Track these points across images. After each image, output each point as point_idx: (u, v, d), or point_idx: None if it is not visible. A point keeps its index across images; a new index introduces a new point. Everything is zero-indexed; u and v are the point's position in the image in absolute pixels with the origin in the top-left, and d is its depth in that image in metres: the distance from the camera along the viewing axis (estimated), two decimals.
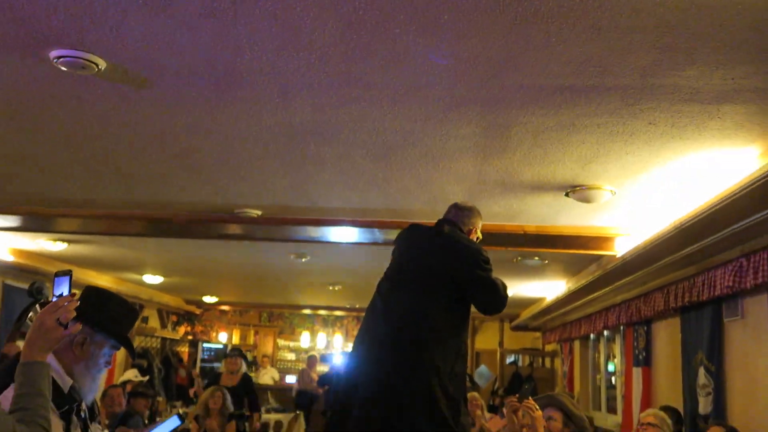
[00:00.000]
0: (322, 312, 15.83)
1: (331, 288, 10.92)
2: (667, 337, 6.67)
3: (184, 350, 14.38)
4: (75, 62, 2.90)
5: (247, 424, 8.40)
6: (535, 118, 3.37)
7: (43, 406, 1.83)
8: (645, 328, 7.15)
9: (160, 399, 9.72)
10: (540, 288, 9.28)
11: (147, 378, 10.25)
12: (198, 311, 15.17)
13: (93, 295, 2.49)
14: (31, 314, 3.81)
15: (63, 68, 2.96)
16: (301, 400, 11.63)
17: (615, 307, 7.70)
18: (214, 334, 15.71)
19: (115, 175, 4.69)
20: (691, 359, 5.83)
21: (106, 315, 2.45)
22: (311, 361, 12.71)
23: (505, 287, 3.34)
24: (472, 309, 3.36)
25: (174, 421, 2.95)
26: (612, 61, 2.74)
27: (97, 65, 2.94)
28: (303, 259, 7.93)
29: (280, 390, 12.94)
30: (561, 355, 11.26)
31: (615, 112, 3.25)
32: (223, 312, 15.92)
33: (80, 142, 4.06)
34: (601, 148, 3.74)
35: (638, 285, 6.65)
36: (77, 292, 2.12)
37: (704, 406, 5.54)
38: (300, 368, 13.57)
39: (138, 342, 12.47)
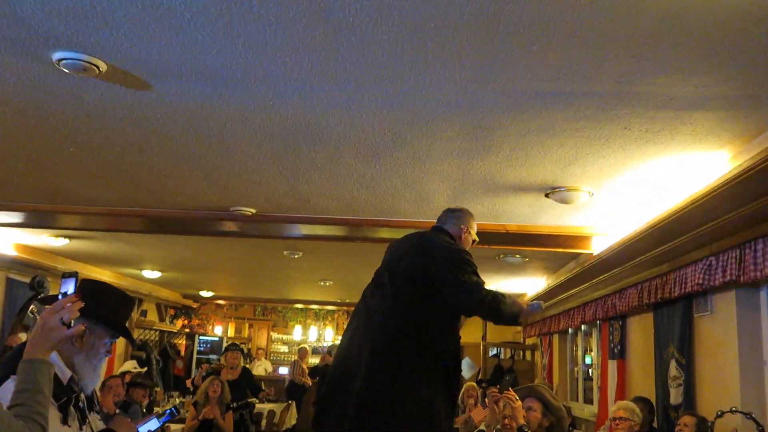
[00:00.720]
0: (313, 306, 15.82)
1: (322, 283, 10.91)
2: (640, 331, 6.70)
3: (181, 343, 14.32)
4: (77, 64, 2.88)
5: (251, 412, 8.40)
6: (516, 122, 3.37)
7: (42, 403, 1.81)
8: (620, 322, 7.18)
9: (158, 389, 9.67)
10: (521, 284, 9.31)
11: (145, 369, 10.20)
12: (195, 305, 15.12)
13: (90, 288, 2.48)
14: (32, 307, 3.79)
15: (65, 70, 2.94)
16: (292, 390, 11.61)
17: (592, 303, 7.73)
18: (210, 327, 15.67)
19: (116, 173, 4.67)
20: (663, 352, 5.86)
21: (104, 307, 2.44)
22: (302, 353, 12.69)
23: (482, 292, 3.18)
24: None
25: (168, 415, 2.90)
26: (589, 69, 2.75)
27: (98, 67, 2.92)
28: (295, 256, 7.92)
29: (272, 381, 12.91)
30: (541, 348, 11.29)
31: (592, 117, 3.26)
32: (219, 306, 15.88)
33: (82, 142, 4.03)
34: (579, 151, 3.75)
35: (614, 282, 6.68)
36: None
37: (675, 396, 5.57)
38: (292, 360, 13.54)
39: (137, 334, 12.42)
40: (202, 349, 14.30)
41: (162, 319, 13.99)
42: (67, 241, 7.58)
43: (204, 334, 14.90)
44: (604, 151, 3.73)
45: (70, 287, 2.07)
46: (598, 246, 5.71)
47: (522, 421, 3.61)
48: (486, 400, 4.91)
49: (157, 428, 2.72)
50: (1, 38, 2.73)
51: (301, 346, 13.80)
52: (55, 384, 2.04)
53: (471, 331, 14.33)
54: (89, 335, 2.37)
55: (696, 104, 3.04)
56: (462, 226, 3.48)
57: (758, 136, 3.35)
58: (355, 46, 2.66)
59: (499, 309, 3.21)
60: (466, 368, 12.19)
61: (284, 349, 16.12)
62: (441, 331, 3.20)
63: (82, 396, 2.40)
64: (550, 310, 9.54)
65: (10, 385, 2.01)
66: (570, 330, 9.60)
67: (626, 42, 2.51)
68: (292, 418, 11.26)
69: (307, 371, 11.53)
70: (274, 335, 16.30)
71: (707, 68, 2.69)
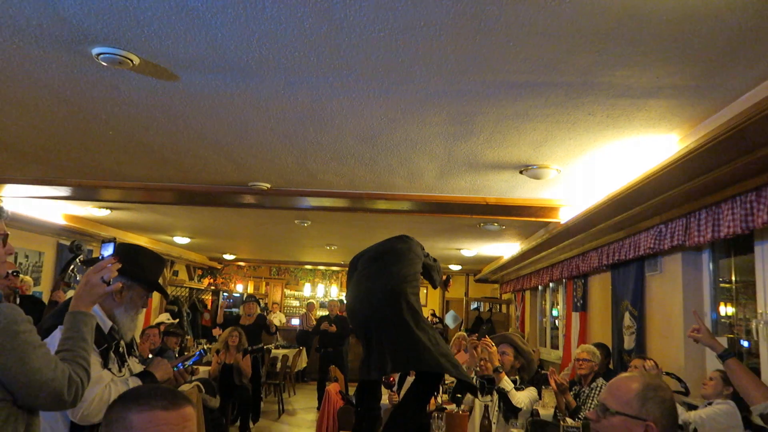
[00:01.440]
0: (321, 267, 15.86)
1: (328, 248, 10.94)
2: (600, 288, 6.75)
3: (207, 298, 14.39)
4: (113, 58, 2.84)
5: (263, 356, 8.49)
6: (495, 108, 3.35)
7: (85, 349, 1.82)
8: (582, 280, 7.23)
9: (188, 337, 9.76)
10: (498, 248, 9.34)
11: (177, 320, 10.27)
12: (219, 266, 15.15)
13: (128, 251, 2.48)
14: (72, 267, 3.79)
15: (103, 63, 2.90)
16: (302, 338, 11.71)
17: (559, 264, 7.77)
18: (232, 285, 15.72)
19: (149, 153, 4.64)
20: (619, 305, 5.92)
21: (140, 266, 2.44)
22: (310, 306, 12.78)
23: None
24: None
25: (198, 355, 2.94)
26: (558, 62, 2.72)
27: (132, 61, 2.88)
28: (305, 224, 7.92)
29: (286, 330, 13.01)
30: (515, 302, 11.37)
31: (560, 105, 3.24)
32: (240, 267, 15.92)
33: (119, 126, 4.00)
34: (549, 134, 3.73)
35: (578, 246, 6.70)
36: None
37: (629, 343, 5.63)
38: (302, 312, 13.63)
39: (170, 291, 12.47)
40: (228, 301, 14.38)
41: (191, 278, 14.04)
42: (108, 211, 7.57)
43: (227, 291, 14.97)
44: (571, 134, 3.71)
45: (108, 250, 2.08)
46: (564, 216, 5.72)
47: (497, 363, 3.65)
48: (467, 346, 4.95)
49: (189, 365, 2.74)
50: (46, 35, 2.70)
51: (310, 301, 13.89)
52: (97, 333, 2.06)
53: (455, 288, 14.44)
54: (127, 291, 2.38)
55: (650, 93, 3.01)
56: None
57: (703, 121, 3.33)
58: (355, 42, 2.63)
59: None
60: (451, 320, 12.30)
61: (296, 303, 16.22)
62: None
63: (122, 343, 2.42)
64: (524, 270, 9.60)
65: (57, 333, 2.03)
66: (540, 287, 9.67)
67: (590, 39, 2.49)
68: (302, 362, 11.39)
69: (314, 321, 11.61)
70: (287, 292, 16.38)
71: (660, 62, 2.66)
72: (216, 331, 9.36)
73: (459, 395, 4.09)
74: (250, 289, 16.02)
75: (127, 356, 2.44)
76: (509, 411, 3.61)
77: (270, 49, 2.74)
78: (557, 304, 9.05)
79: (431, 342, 2.98)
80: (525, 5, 2.26)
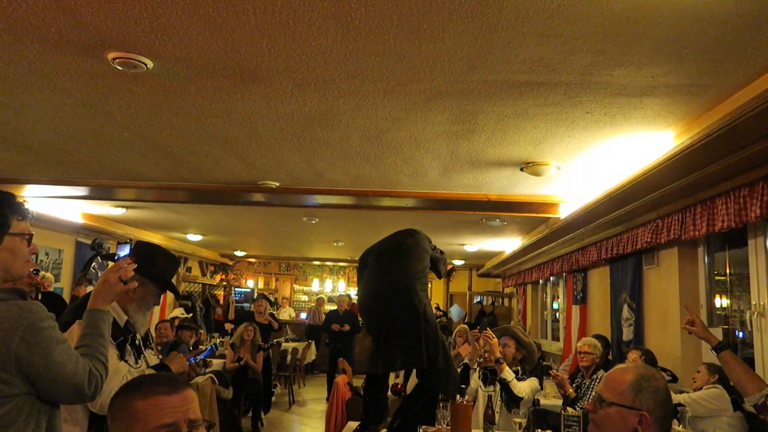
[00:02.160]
0: (328, 263, 15.90)
1: (335, 244, 10.96)
2: (599, 281, 6.75)
3: (220, 293, 14.45)
4: (128, 62, 2.87)
5: (270, 351, 8.52)
6: (496, 107, 3.36)
7: (103, 345, 1.84)
8: (582, 274, 7.23)
9: (201, 331, 9.79)
10: (500, 243, 9.33)
11: (191, 315, 10.32)
12: (231, 262, 15.21)
13: (144, 250, 2.50)
14: (93, 264, 3.82)
15: (119, 67, 2.93)
16: (311, 332, 11.75)
17: (559, 258, 7.77)
18: (243, 281, 15.77)
19: (163, 154, 4.67)
20: (618, 298, 5.92)
21: (154, 266, 2.46)
22: (320, 302, 12.81)
23: None
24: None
25: (209, 350, 2.95)
26: (557, 62, 2.73)
27: (146, 65, 2.91)
28: (313, 221, 7.94)
29: (295, 324, 13.05)
30: (517, 296, 11.37)
31: (559, 103, 3.24)
32: (251, 263, 15.97)
33: (134, 128, 4.03)
34: (549, 132, 3.73)
35: (577, 241, 6.70)
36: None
37: (627, 334, 5.63)
38: (310, 307, 13.67)
39: (183, 287, 12.53)
40: (237, 298, 14.42)
41: (204, 274, 14.09)
42: (124, 210, 7.61)
43: (238, 286, 15.02)
44: (570, 132, 3.71)
45: (125, 251, 2.10)
46: (564, 211, 5.72)
47: (498, 355, 3.66)
48: (469, 338, 4.96)
49: (200, 359, 2.77)
50: (64, 41, 2.72)
51: (319, 296, 13.92)
52: (114, 326, 2.08)
53: (459, 282, 14.44)
54: (141, 288, 2.40)
55: (646, 92, 3.02)
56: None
57: (697, 118, 3.33)
58: (361, 45, 2.64)
59: None
60: (456, 313, 12.31)
61: (305, 298, 16.26)
62: None
63: (138, 336, 2.44)
64: (525, 264, 9.60)
65: (75, 328, 2.05)
66: (541, 281, 9.67)
67: (589, 39, 2.49)
68: (311, 354, 11.42)
69: (323, 316, 11.65)
70: (296, 287, 16.42)
71: (655, 62, 2.67)
72: (228, 326, 9.41)
73: (463, 386, 4.11)
74: (261, 285, 16.07)
75: (143, 348, 2.46)
76: (511, 400, 3.62)
77: (280, 53, 2.75)
78: (558, 297, 9.05)
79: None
80: (525, 8, 2.27)
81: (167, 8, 2.39)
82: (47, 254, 8.04)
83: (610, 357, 5.59)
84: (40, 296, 4.51)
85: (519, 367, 3.89)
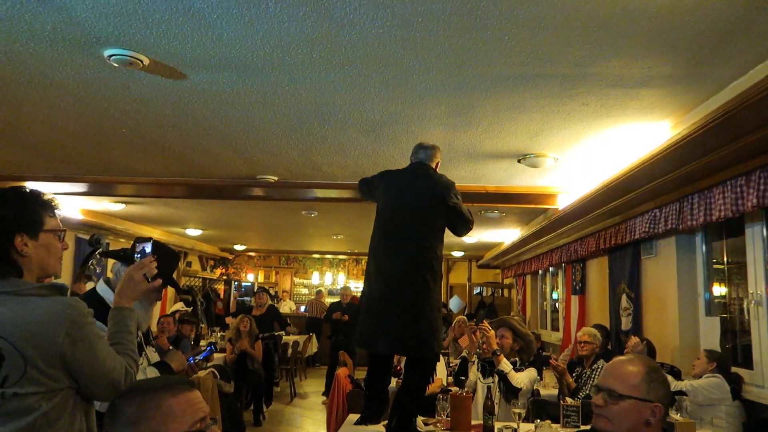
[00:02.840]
0: (328, 256, 15.92)
1: (334, 237, 10.97)
2: (597, 271, 6.77)
3: (220, 287, 14.49)
4: (124, 59, 2.87)
5: (276, 342, 8.56)
6: (492, 100, 3.36)
7: (132, 342, 1.84)
8: (581, 264, 7.25)
9: (202, 325, 9.82)
10: (499, 235, 9.35)
11: (192, 309, 10.35)
12: (230, 257, 15.23)
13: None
14: (92, 260, 3.81)
15: (115, 64, 2.93)
16: (311, 325, 11.77)
17: (558, 249, 7.78)
18: (243, 275, 15.80)
19: (161, 150, 4.67)
20: (616, 288, 5.93)
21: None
22: (319, 294, 12.84)
23: (470, 212, 3.21)
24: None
25: (208, 351, 2.91)
26: (552, 54, 2.73)
27: (142, 61, 2.91)
28: (312, 215, 7.95)
29: (296, 317, 13.10)
30: (516, 286, 11.39)
31: (555, 95, 3.24)
32: (251, 257, 15.99)
33: (131, 124, 4.03)
34: (545, 123, 3.74)
35: (576, 231, 6.71)
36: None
37: (626, 324, 5.66)
38: (310, 300, 13.70)
39: (184, 281, 12.56)
40: (238, 292, 14.48)
41: (204, 269, 14.12)
42: (123, 206, 7.61)
43: (239, 280, 15.05)
44: (566, 123, 3.72)
45: (147, 248, 2.08)
46: (562, 202, 5.73)
47: (495, 346, 3.67)
48: (466, 331, 4.97)
49: (201, 359, 2.77)
50: (60, 39, 2.72)
51: (318, 288, 13.96)
52: None
53: (459, 274, 14.47)
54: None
55: (642, 83, 3.02)
56: (437, 161, 3.32)
57: (694, 109, 3.33)
58: (355, 39, 2.64)
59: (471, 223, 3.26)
60: (456, 304, 12.34)
61: (305, 291, 16.29)
62: (440, 255, 3.14)
63: (140, 333, 2.45)
64: (524, 255, 9.62)
65: None
66: (540, 271, 9.69)
67: (583, 31, 2.49)
68: (313, 347, 11.45)
69: (326, 307, 11.65)
70: (296, 280, 16.45)
71: (651, 52, 2.67)
72: (229, 320, 9.43)
73: (462, 377, 4.13)
74: (261, 279, 16.10)
75: (144, 345, 2.47)
76: (509, 391, 3.65)
77: (274, 48, 2.75)
78: (557, 287, 9.07)
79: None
80: (518, 0, 2.27)
81: (160, 5, 2.39)
82: None
83: (609, 347, 5.61)
84: None
85: (517, 358, 3.91)
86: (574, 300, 7.36)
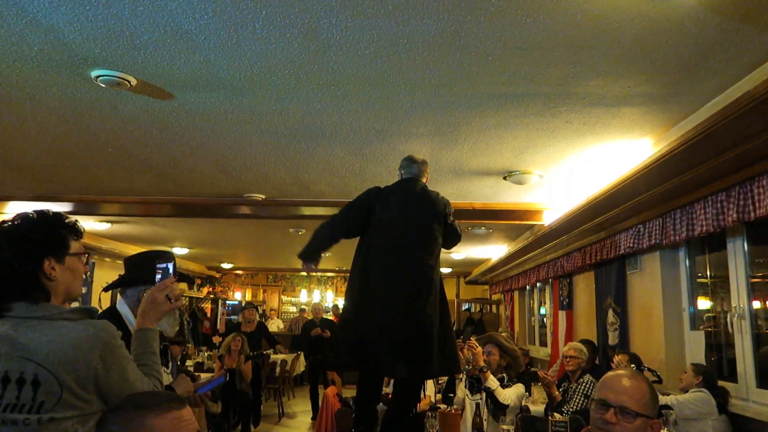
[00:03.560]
0: (316, 273, 15.88)
1: (322, 254, 10.92)
2: (584, 286, 6.80)
3: (207, 306, 14.37)
4: (111, 80, 2.89)
5: (263, 361, 8.47)
6: (477, 118, 3.41)
7: (156, 362, 1.84)
8: (567, 280, 7.28)
9: (189, 345, 9.71)
10: (487, 251, 9.39)
11: (178, 329, 10.22)
12: (218, 275, 15.12)
13: (135, 261, 2.47)
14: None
15: (102, 85, 2.95)
16: (296, 343, 11.65)
17: (545, 264, 7.81)
18: (231, 293, 15.69)
19: (147, 169, 4.67)
20: (603, 303, 5.97)
21: (153, 271, 2.42)
22: (302, 312, 12.72)
23: (460, 227, 3.25)
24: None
25: (221, 379, 2.77)
26: (535, 74, 2.78)
27: (129, 82, 2.93)
28: (300, 232, 7.95)
29: (283, 336, 13.00)
30: (504, 302, 11.40)
31: (539, 114, 3.30)
32: (238, 275, 15.90)
33: (118, 143, 4.03)
34: (530, 141, 3.79)
35: (562, 247, 6.76)
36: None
37: (613, 338, 5.68)
38: (293, 318, 13.62)
39: None
40: (225, 311, 14.37)
41: (190, 287, 14.00)
42: (109, 225, 7.57)
43: (226, 299, 14.94)
44: (550, 141, 3.77)
45: (169, 268, 2.06)
46: (548, 218, 5.78)
47: (482, 363, 3.67)
48: None
49: (211, 388, 2.63)
50: (47, 60, 2.73)
51: (302, 307, 13.86)
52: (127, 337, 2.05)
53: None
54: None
55: (623, 101, 3.08)
56: (427, 176, 3.26)
57: (674, 126, 3.40)
58: (342, 59, 2.68)
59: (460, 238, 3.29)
60: None
61: (293, 309, 16.19)
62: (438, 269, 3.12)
63: None
64: (512, 271, 9.65)
65: None
66: (527, 287, 9.71)
67: (564, 51, 2.55)
68: (300, 366, 11.35)
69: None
70: (284, 298, 16.37)
71: (631, 72, 2.73)
72: (216, 339, 9.34)
73: (451, 394, 4.13)
74: (248, 297, 15.98)
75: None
76: (497, 408, 3.65)
77: (261, 68, 2.78)
78: (544, 303, 9.09)
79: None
80: (501, 22, 2.32)
81: (148, 26, 2.41)
82: None
83: (597, 361, 5.63)
84: None
85: (504, 374, 3.92)
86: (562, 315, 7.38)
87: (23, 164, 4.58)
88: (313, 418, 8.43)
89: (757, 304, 4.04)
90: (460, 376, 4.20)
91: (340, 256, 11.11)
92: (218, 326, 9.15)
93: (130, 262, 2.42)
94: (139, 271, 2.26)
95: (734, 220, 3.48)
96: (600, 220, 5.15)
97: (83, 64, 2.77)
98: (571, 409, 4.21)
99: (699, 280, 4.86)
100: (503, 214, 5.79)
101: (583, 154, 4.02)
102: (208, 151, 4.18)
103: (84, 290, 8.32)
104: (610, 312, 5.74)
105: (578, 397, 4.27)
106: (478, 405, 3.47)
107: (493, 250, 9.29)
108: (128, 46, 2.58)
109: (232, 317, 13.56)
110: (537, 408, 4.69)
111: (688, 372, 4.04)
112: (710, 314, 4.76)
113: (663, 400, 3.79)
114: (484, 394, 3.70)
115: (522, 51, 2.55)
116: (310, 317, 12.65)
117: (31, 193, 5.56)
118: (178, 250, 10.35)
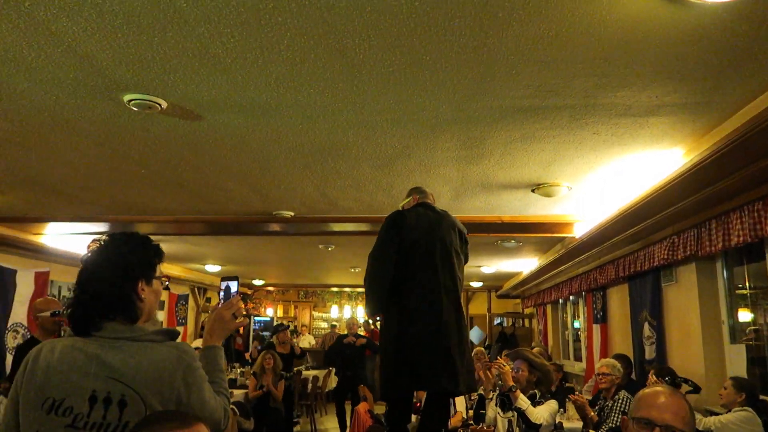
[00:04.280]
0: (346, 289, 15.93)
1: (352, 270, 10.98)
2: (618, 299, 6.68)
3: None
4: (143, 103, 2.97)
5: (295, 380, 8.48)
6: (503, 132, 3.40)
7: (224, 380, 1.87)
8: (601, 293, 7.16)
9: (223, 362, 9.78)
10: (517, 264, 9.29)
11: None
12: (249, 291, 15.29)
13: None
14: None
15: (134, 108, 3.03)
16: (328, 359, 11.62)
17: (577, 277, 7.70)
18: (263, 309, 15.83)
19: (179, 188, 4.77)
20: (638, 316, 5.84)
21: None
22: (333, 328, 12.71)
23: None
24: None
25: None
26: (560, 87, 2.77)
27: (160, 105, 3.01)
28: (329, 248, 7.99)
29: (315, 352, 13.02)
30: (537, 316, 11.25)
31: (566, 126, 3.27)
32: (269, 291, 16.04)
33: (150, 164, 4.13)
34: (557, 153, 3.76)
35: (594, 259, 6.65)
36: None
37: (649, 353, 5.55)
38: (324, 333, 13.64)
39: (203, 317, 12.58)
40: (256, 327, 14.47)
41: (245, 305, 14.15)
42: None
43: (258, 315, 15.07)
44: (578, 153, 3.74)
45: (232, 287, 2.10)
46: (579, 230, 5.70)
47: (510, 383, 3.61)
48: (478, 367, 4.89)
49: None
50: (82, 85, 2.83)
51: (333, 323, 13.87)
52: None
53: (478, 304, 14.35)
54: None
55: (651, 111, 3.04)
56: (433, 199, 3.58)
57: (705, 135, 3.34)
58: (367, 77, 2.71)
59: None
60: (476, 336, 12.20)
61: (324, 325, 16.23)
62: None
63: None
64: (543, 284, 9.53)
65: None
66: (560, 300, 9.57)
67: (590, 64, 2.54)
68: (332, 381, 11.34)
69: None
70: (315, 314, 16.44)
71: (657, 82, 2.70)
72: (248, 355, 9.40)
73: (482, 411, 4.08)
74: (280, 313, 16.10)
75: None
76: (529, 428, 3.59)
77: (288, 88, 2.83)
78: (578, 316, 8.94)
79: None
80: (523, 37, 2.32)
81: (178, 51, 2.48)
82: (70, 290, 8.17)
83: (633, 376, 5.50)
84: (63, 333, 4.58)
85: (536, 390, 3.86)
86: (596, 329, 7.24)
87: (60, 187, 4.73)
88: None
89: None
90: (492, 395, 4.15)
91: None
92: (251, 345, 9.19)
93: None
94: None
95: None
96: (632, 232, 5.06)
97: (116, 89, 2.86)
98: (609, 426, 4.12)
99: (739, 291, 4.72)
100: (533, 227, 5.73)
101: (612, 165, 3.96)
102: (237, 170, 4.26)
103: None
104: (646, 325, 5.62)
105: (615, 415, 4.17)
106: (510, 422, 3.42)
107: (523, 264, 9.19)
108: (159, 70, 2.66)
109: (264, 333, 13.65)
110: (572, 425, 4.60)
111: (727, 387, 3.90)
112: (752, 327, 4.61)
113: (705, 423, 3.66)
114: (515, 412, 3.65)
115: (545, 64, 2.54)
116: (343, 332, 12.67)
117: (68, 214, 5.73)
118: (211, 267, 10.50)
